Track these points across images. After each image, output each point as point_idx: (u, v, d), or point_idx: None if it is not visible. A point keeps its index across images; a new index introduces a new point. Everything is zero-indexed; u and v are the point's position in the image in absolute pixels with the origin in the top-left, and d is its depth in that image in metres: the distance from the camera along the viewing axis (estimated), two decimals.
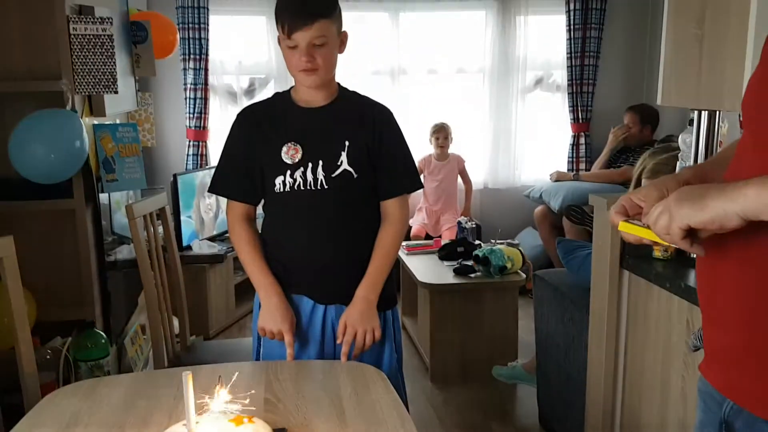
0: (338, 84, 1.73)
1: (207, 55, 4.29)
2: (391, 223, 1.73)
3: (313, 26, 1.54)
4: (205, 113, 4.37)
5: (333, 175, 1.65)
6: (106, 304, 2.45)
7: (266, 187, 1.71)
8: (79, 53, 2.17)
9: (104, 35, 2.20)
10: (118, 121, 2.72)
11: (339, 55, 1.65)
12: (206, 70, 4.31)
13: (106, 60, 2.20)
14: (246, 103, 4.48)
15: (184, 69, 4.31)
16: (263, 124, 1.70)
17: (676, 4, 1.88)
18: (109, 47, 2.21)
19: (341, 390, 1.40)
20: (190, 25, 4.22)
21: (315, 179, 1.64)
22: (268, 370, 1.57)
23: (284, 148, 1.64)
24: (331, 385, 1.45)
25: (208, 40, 4.27)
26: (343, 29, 1.64)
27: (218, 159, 1.76)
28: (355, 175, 1.66)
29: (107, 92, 2.24)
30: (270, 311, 1.69)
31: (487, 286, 3.14)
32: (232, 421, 1.16)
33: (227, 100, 4.55)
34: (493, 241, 3.42)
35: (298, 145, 1.64)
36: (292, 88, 1.72)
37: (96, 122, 2.40)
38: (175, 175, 3.71)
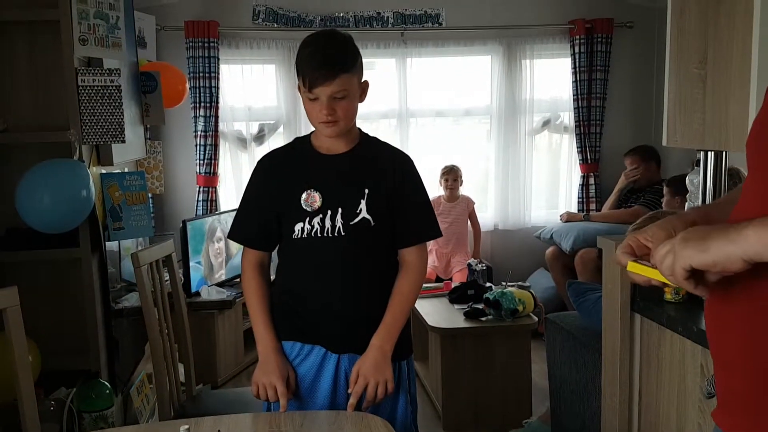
0: (359, 130, 1.72)
1: (217, 102, 4.35)
2: (409, 271, 1.70)
3: (335, 81, 1.54)
4: (215, 159, 4.41)
5: (351, 223, 1.63)
6: (111, 353, 2.42)
7: (284, 233, 1.70)
8: (87, 104, 2.20)
9: (112, 86, 2.24)
10: (126, 170, 2.75)
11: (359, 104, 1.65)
12: (216, 117, 4.36)
13: (114, 110, 2.23)
14: (255, 148, 4.54)
15: (195, 116, 4.36)
16: (283, 170, 1.70)
17: (679, 44, 1.88)
18: (116, 98, 2.25)
19: None
20: (201, 74, 4.29)
21: (333, 226, 1.63)
22: (271, 422, 1.53)
23: (303, 195, 1.63)
24: None
25: (218, 88, 4.34)
26: (363, 79, 1.65)
27: (238, 206, 1.77)
28: (373, 223, 1.64)
29: (115, 142, 2.27)
30: (265, 365, 1.67)
31: (499, 329, 3.08)
32: None
33: (237, 146, 4.60)
34: (504, 283, 3.37)
35: (318, 193, 1.63)
36: (312, 133, 1.72)
37: (104, 171, 2.42)
38: (184, 221, 3.72)
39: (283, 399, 1.63)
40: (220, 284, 3.88)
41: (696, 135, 1.79)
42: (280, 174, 1.69)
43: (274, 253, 1.80)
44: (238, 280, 4.08)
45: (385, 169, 1.68)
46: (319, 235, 1.63)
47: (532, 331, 3.18)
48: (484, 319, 3.11)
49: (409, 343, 1.77)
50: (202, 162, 4.40)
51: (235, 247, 4.04)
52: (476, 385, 3.08)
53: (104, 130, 2.23)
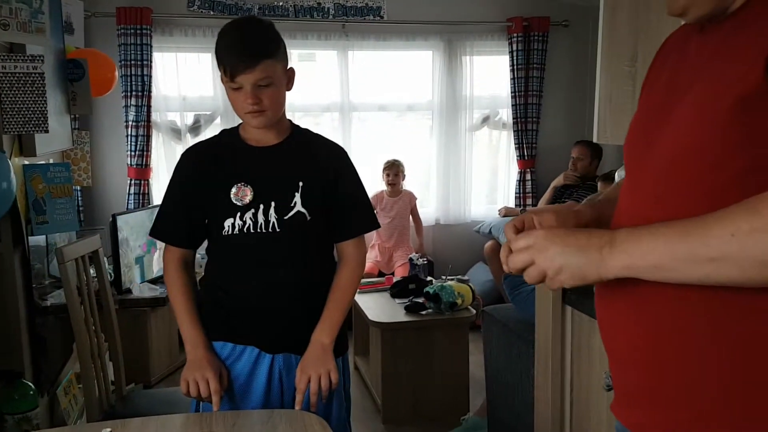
0: (290, 121, 1.67)
1: (150, 91, 4.21)
2: (348, 264, 1.68)
3: (256, 68, 1.48)
4: (147, 151, 4.27)
5: (285, 218, 1.58)
6: (36, 352, 2.31)
7: (212, 230, 1.64)
8: (9, 92, 2.08)
9: (35, 73, 2.12)
10: (51, 161, 2.62)
11: (287, 92, 1.60)
12: (149, 106, 4.22)
13: (37, 98, 2.11)
14: (191, 140, 4.42)
15: (126, 106, 4.21)
16: (210, 164, 1.63)
17: (610, 41, 1.92)
18: (40, 85, 2.13)
19: None
20: (133, 62, 4.14)
21: (267, 221, 1.58)
22: (202, 423, 1.49)
23: (233, 189, 1.58)
24: None
25: (150, 76, 4.20)
26: (289, 66, 1.59)
27: (161, 201, 1.70)
28: (309, 217, 1.60)
29: (37, 131, 2.15)
30: (195, 362, 1.60)
31: (438, 322, 3.11)
32: None
33: (171, 137, 4.47)
34: (443, 277, 3.40)
35: (248, 186, 1.57)
36: (240, 125, 1.65)
37: (26, 162, 2.30)
38: (114, 215, 3.59)
39: (215, 396, 1.58)
40: (153, 281, 3.76)
41: (626, 131, 1.84)
42: (207, 167, 1.63)
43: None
44: None
45: (320, 161, 1.64)
46: (252, 231, 1.58)
47: (471, 324, 3.22)
48: (424, 312, 3.14)
49: (345, 339, 1.75)
50: (133, 153, 4.25)
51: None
52: (415, 379, 3.10)
53: (26, 118, 2.11)
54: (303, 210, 1.59)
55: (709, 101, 0.81)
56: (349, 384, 1.79)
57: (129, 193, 4.28)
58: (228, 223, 1.58)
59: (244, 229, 1.58)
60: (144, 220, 3.68)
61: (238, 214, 1.58)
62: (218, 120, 4.47)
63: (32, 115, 2.15)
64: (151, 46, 4.17)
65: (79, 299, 2.23)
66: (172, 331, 3.69)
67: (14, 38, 2.14)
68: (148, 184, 4.32)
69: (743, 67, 0.78)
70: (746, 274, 0.76)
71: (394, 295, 3.40)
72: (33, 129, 2.16)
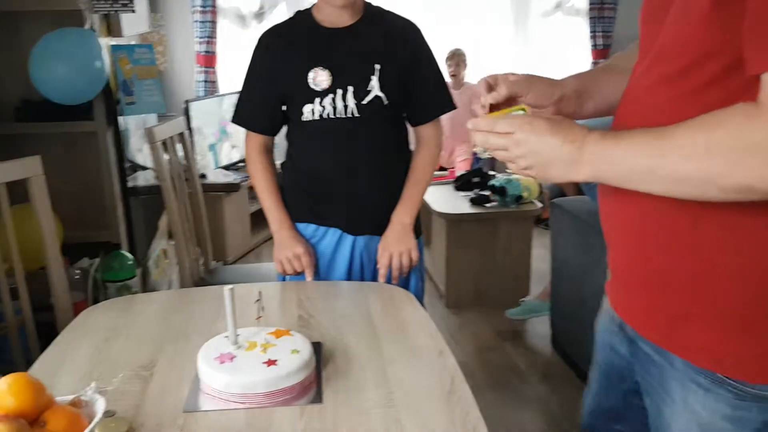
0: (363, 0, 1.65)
1: None
2: (427, 146, 1.70)
3: None
4: (213, 38, 4.27)
5: (363, 102, 1.59)
6: (129, 228, 2.46)
7: (292, 115, 1.65)
8: None
9: None
10: (133, 43, 2.66)
11: None
12: None
13: None
14: (255, 26, 4.39)
15: None
16: (286, 49, 1.62)
17: None
18: None
19: (371, 308, 1.43)
20: None
21: (345, 107, 1.58)
22: (298, 289, 1.59)
23: (311, 74, 1.57)
24: (360, 303, 1.47)
25: None
26: None
27: (241, 87, 1.71)
28: (386, 102, 1.60)
29: (125, 11, 2.19)
30: (283, 242, 1.68)
31: (504, 215, 3.16)
32: (272, 334, 1.18)
33: (236, 24, 4.44)
34: (508, 171, 3.41)
35: (326, 71, 1.57)
36: (314, 6, 1.63)
37: (113, 43, 2.35)
38: (187, 101, 3.66)
39: (309, 269, 1.67)
40: (226, 167, 3.88)
41: None
42: (284, 52, 1.62)
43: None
44: (242, 164, 4.08)
45: (396, 43, 1.62)
46: (332, 116, 1.59)
47: (536, 218, 3.26)
48: (488, 205, 3.18)
49: (419, 224, 1.79)
50: (201, 40, 4.26)
51: (237, 131, 4.01)
52: (479, 268, 3.19)
53: None
54: (381, 94, 1.59)
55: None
56: (423, 265, 1.85)
57: (197, 81, 4.33)
58: (307, 108, 1.60)
59: (324, 115, 1.59)
60: (215, 107, 3.75)
61: (318, 99, 1.59)
62: (283, 5, 4.40)
63: None
64: None
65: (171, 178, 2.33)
66: (245, 216, 3.85)
67: None
68: (214, 72, 4.36)
69: None
70: (705, 195, 0.78)
71: (458, 188, 3.45)
72: (120, 8, 2.20)
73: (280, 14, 4.38)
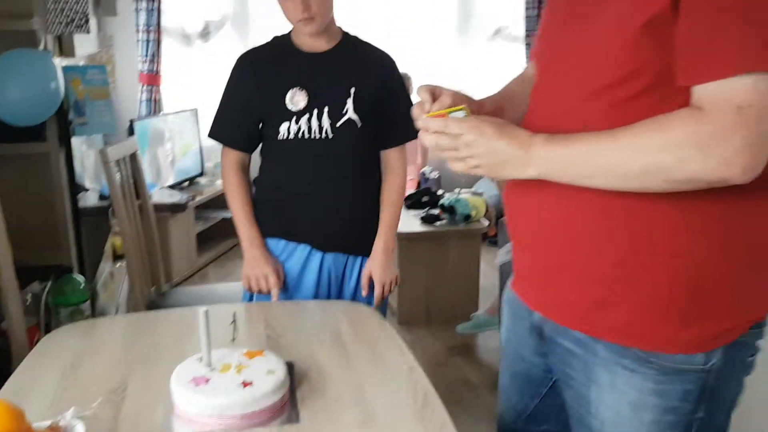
0: (340, 28, 1.72)
1: None
2: (395, 173, 1.78)
3: None
4: (158, 56, 4.23)
5: (338, 125, 1.66)
6: (79, 251, 2.41)
7: (267, 134, 1.70)
8: None
9: None
10: (82, 63, 2.62)
11: None
12: (159, 10, 4.15)
13: None
14: (200, 46, 4.37)
15: (137, 9, 4.13)
16: (265, 69, 1.68)
17: None
18: None
19: (339, 326, 1.46)
20: None
21: (320, 127, 1.65)
22: (264, 310, 1.62)
23: (289, 94, 1.64)
24: (328, 321, 1.51)
25: None
26: None
27: (219, 104, 1.75)
28: (359, 124, 1.68)
29: (79, 31, 2.17)
30: (253, 260, 1.72)
31: (453, 233, 3.26)
32: (245, 356, 1.19)
33: (181, 43, 4.41)
34: (457, 190, 3.52)
35: (303, 91, 1.63)
36: (291, 31, 1.70)
37: (65, 64, 2.31)
38: (131, 121, 3.61)
39: (275, 289, 1.71)
40: (171, 187, 3.83)
41: None
42: (263, 72, 1.68)
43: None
44: (186, 183, 4.05)
45: (370, 69, 1.70)
46: (306, 136, 1.65)
47: (482, 235, 3.37)
48: (438, 223, 3.28)
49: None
50: (144, 59, 4.21)
51: (182, 150, 3.97)
52: (428, 284, 3.28)
53: (69, 18, 2.12)
54: (354, 117, 1.67)
55: (626, 18, 0.89)
56: None
57: (140, 100, 4.27)
58: (283, 127, 1.66)
59: (299, 135, 1.65)
60: (158, 126, 3.71)
61: (293, 118, 1.65)
62: (228, 25, 4.40)
63: (74, 15, 2.16)
64: None
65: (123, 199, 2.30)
66: (191, 236, 3.81)
67: None
68: (158, 91, 4.31)
69: None
70: (648, 186, 0.89)
71: (408, 207, 3.53)
72: (75, 29, 2.17)
73: (226, 34, 4.39)
